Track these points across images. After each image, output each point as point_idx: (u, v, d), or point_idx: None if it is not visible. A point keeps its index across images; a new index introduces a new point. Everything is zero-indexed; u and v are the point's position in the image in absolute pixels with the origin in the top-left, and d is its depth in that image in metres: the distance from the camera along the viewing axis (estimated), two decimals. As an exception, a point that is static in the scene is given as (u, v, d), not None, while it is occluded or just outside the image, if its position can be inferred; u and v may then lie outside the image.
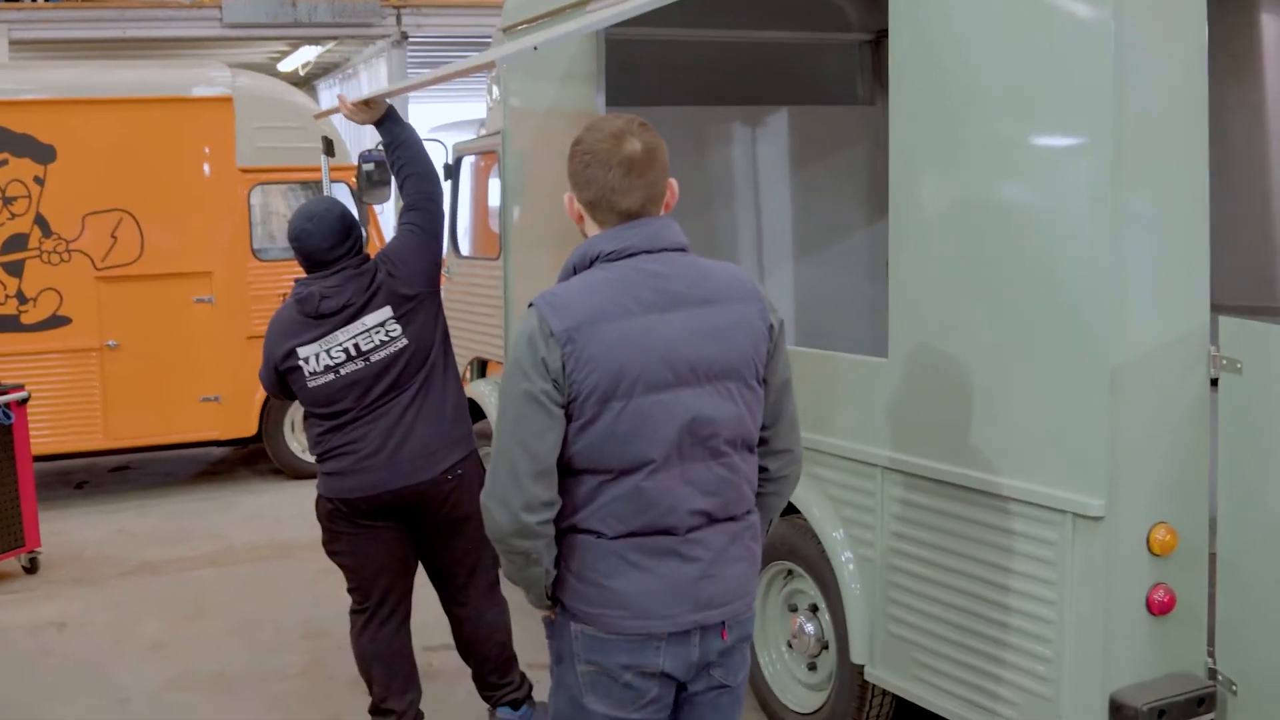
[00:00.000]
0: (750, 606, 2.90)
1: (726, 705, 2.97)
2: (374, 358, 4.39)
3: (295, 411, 9.46)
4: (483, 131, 7.44)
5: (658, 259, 2.79)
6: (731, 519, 2.84)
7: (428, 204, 4.58)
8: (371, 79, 15.12)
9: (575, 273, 2.83)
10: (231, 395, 9.15)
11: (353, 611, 4.72)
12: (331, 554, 4.67)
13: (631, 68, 6.09)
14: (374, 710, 4.72)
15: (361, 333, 4.39)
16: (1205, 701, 3.46)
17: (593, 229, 2.86)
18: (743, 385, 2.80)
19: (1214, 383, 3.46)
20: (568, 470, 2.77)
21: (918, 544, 3.93)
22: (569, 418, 2.72)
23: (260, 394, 9.23)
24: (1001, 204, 3.61)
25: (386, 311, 4.40)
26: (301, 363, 4.42)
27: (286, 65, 15.29)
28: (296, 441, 9.52)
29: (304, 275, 4.55)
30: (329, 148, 8.24)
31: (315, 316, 4.40)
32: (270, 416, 9.34)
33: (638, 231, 2.79)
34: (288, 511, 8.65)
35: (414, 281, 4.47)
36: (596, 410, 2.71)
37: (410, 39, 13.71)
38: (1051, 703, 3.50)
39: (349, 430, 4.44)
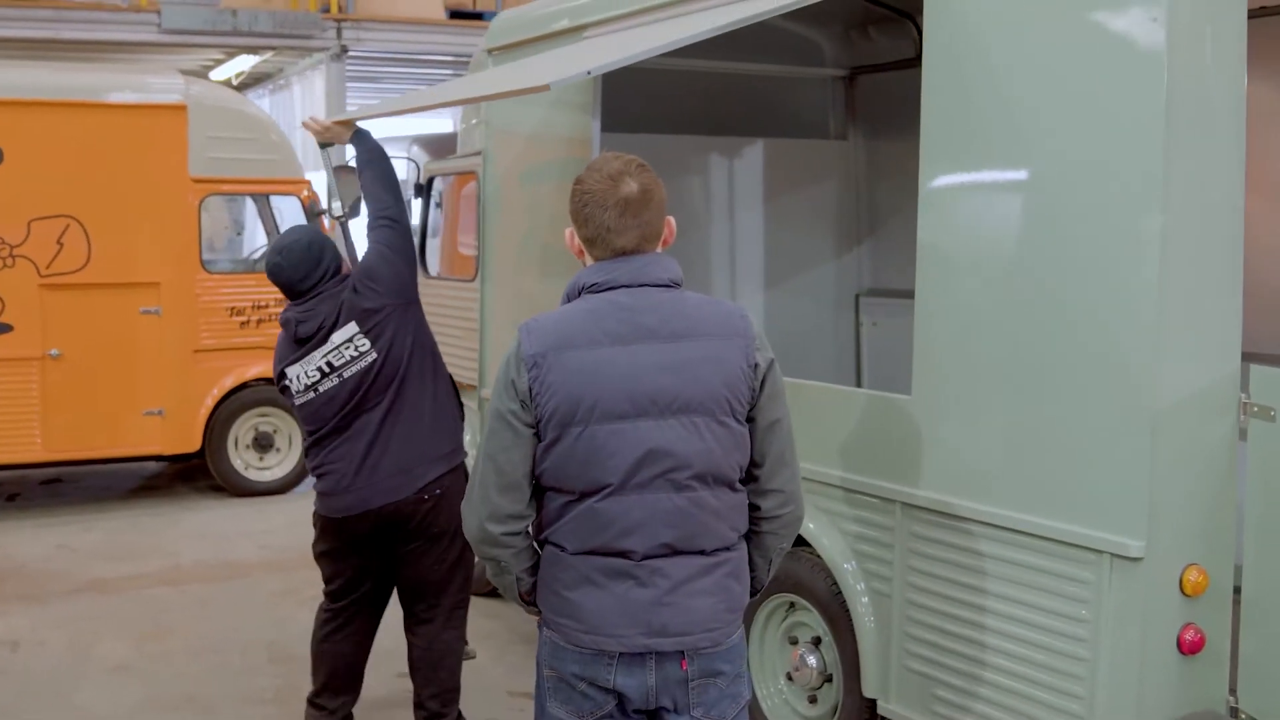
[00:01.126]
0: (719, 641, 2.93)
1: None
2: (346, 373, 4.45)
3: (240, 428, 9.33)
4: (457, 152, 7.37)
5: (635, 294, 2.91)
6: (701, 552, 2.90)
7: (395, 218, 4.68)
8: (305, 91, 14.94)
9: (567, 300, 2.98)
10: (176, 409, 8.98)
11: (322, 607, 4.83)
12: (315, 554, 4.77)
13: (614, 95, 6.12)
14: (309, 699, 4.88)
15: (332, 350, 4.46)
16: (1230, 739, 3.56)
17: (590, 263, 2.99)
18: (712, 421, 2.86)
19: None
20: (540, 487, 2.93)
21: (940, 580, 3.98)
22: (538, 437, 2.87)
23: (205, 409, 9.08)
24: (1041, 249, 3.68)
25: (353, 327, 4.46)
26: (290, 383, 4.54)
27: (219, 74, 15.03)
28: (240, 458, 9.36)
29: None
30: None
31: (296, 341, 4.51)
32: (214, 432, 9.16)
33: (622, 267, 2.92)
34: (234, 530, 8.50)
35: (379, 295, 4.52)
36: (558, 433, 2.84)
37: (350, 53, 13.56)
38: (1081, 739, 3.57)
39: (331, 448, 4.52)
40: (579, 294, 2.96)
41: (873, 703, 4.29)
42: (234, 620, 6.64)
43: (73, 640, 6.33)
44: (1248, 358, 3.66)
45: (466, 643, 5.88)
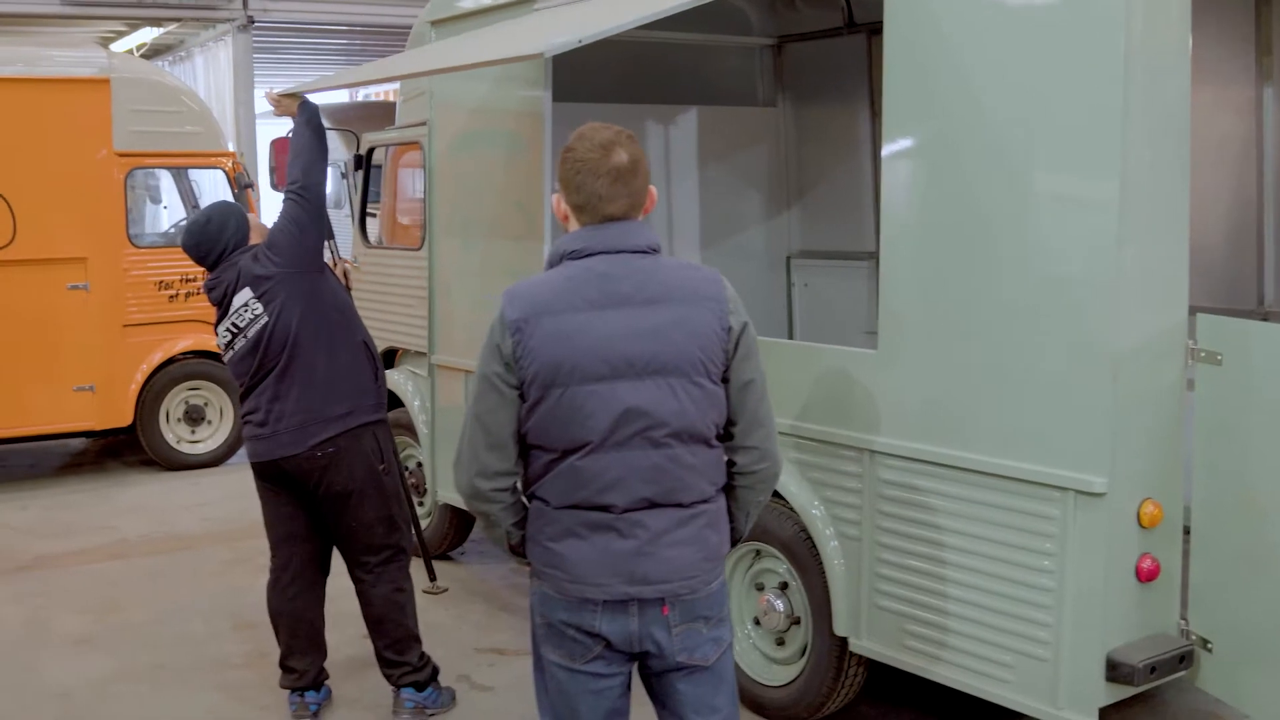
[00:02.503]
0: (697, 589, 3.09)
1: (704, 682, 3.16)
2: (249, 333, 4.81)
3: (170, 401, 9.31)
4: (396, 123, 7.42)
5: (612, 260, 3.05)
6: (678, 505, 3.06)
7: (300, 192, 4.92)
8: (208, 63, 14.75)
9: (550, 267, 3.12)
10: (106, 385, 8.93)
11: (270, 571, 5.11)
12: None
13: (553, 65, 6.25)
14: (280, 664, 5.14)
15: (234, 313, 4.83)
16: (1185, 658, 3.86)
17: (575, 227, 3.13)
18: (687, 382, 3.02)
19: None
20: (525, 445, 3.09)
21: (908, 523, 4.23)
22: (523, 398, 3.02)
23: (135, 384, 9.04)
24: (1002, 207, 3.93)
25: (248, 292, 4.81)
26: (219, 344, 4.97)
27: (119, 46, 14.77)
28: (171, 432, 9.34)
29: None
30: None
31: (214, 306, 4.94)
32: (145, 406, 9.13)
33: (600, 234, 3.07)
34: (172, 503, 8.50)
35: (273, 264, 4.81)
36: (539, 394, 3.00)
37: (256, 23, 13.43)
38: (1049, 663, 3.84)
39: (248, 401, 4.92)
40: (560, 261, 3.09)
41: (843, 641, 4.54)
42: (189, 590, 6.69)
43: (30, 616, 6.34)
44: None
45: (435, 580, 6.14)
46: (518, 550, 3.22)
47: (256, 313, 4.78)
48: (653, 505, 3.03)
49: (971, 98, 4.00)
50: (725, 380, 3.08)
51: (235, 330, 4.82)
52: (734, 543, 3.26)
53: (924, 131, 4.17)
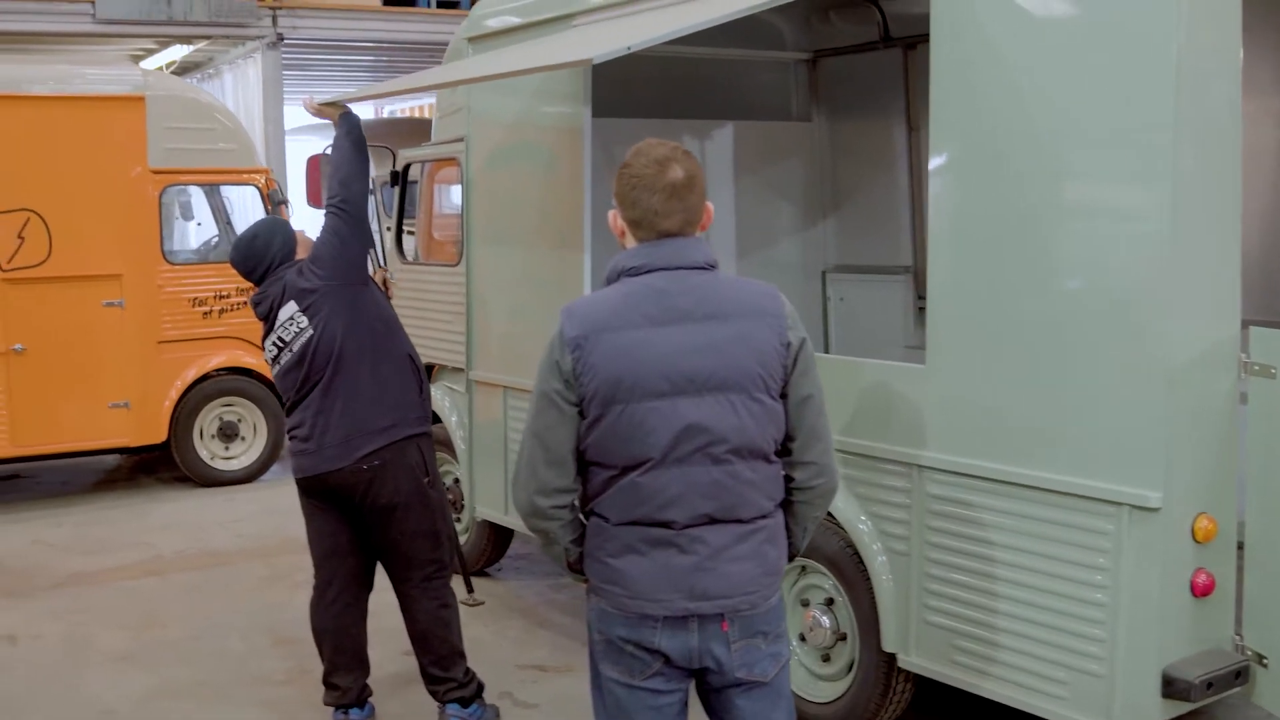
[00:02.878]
0: (756, 604, 3.08)
1: (762, 698, 3.15)
2: (294, 347, 4.83)
3: (205, 418, 9.34)
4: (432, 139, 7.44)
5: (671, 276, 3.05)
6: (738, 521, 3.06)
7: (342, 205, 4.94)
8: (237, 80, 14.83)
9: (608, 283, 3.12)
10: (141, 401, 8.97)
11: (314, 588, 5.09)
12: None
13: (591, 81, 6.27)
14: (324, 680, 5.12)
15: (280, 326, 4.86)
16: (1241, 674, 3.83)
17: (631, 244, 3.13)
18: (747, 398, 3.02)
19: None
20: (584, 461, 3.08)
21: (958, 538, 4.21)
22: (582, 415, 3.02)
23: (170, 400, 9.08)
24: (1057, 221, 3.91)
25: (293, 306, 4.84)
26: (267, 359, 4.99)
27: (149, 64, 14.87)
28: (205, 448, 9.37)
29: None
30: None
31: (261, 320, 4.97)
32: (180, 423, 9.16)
33: (658, 250, 3.06)
34: (206, 519, 8.52)
35: (317, 277, 4.84)
36: (600, 411, 2.99)
37: (286, 40, 13.50)
38: (1104, 679, 3.81)
39: (295, 414, 4.92)
40: (618, 277, 3.10)
41: (891, 657, 4.51)
42: (227, 607, 6.70)
43: (69, 633, 6.36)
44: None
45: (473, 592, 6.14)
46: (575, 567, 3.22)
47: (301, 326, 4.81)
48: (713, 521, 3.03)
49: (1020, 110, 3.99)
50: (783, 396, 3.08)
51: (281, 344, 4.85)
52: (790, 558, 3.25)
53: (971, 145, 4.16)
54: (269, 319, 4.89)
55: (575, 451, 3.06)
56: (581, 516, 3.17)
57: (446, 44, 7.12)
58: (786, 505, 3.18)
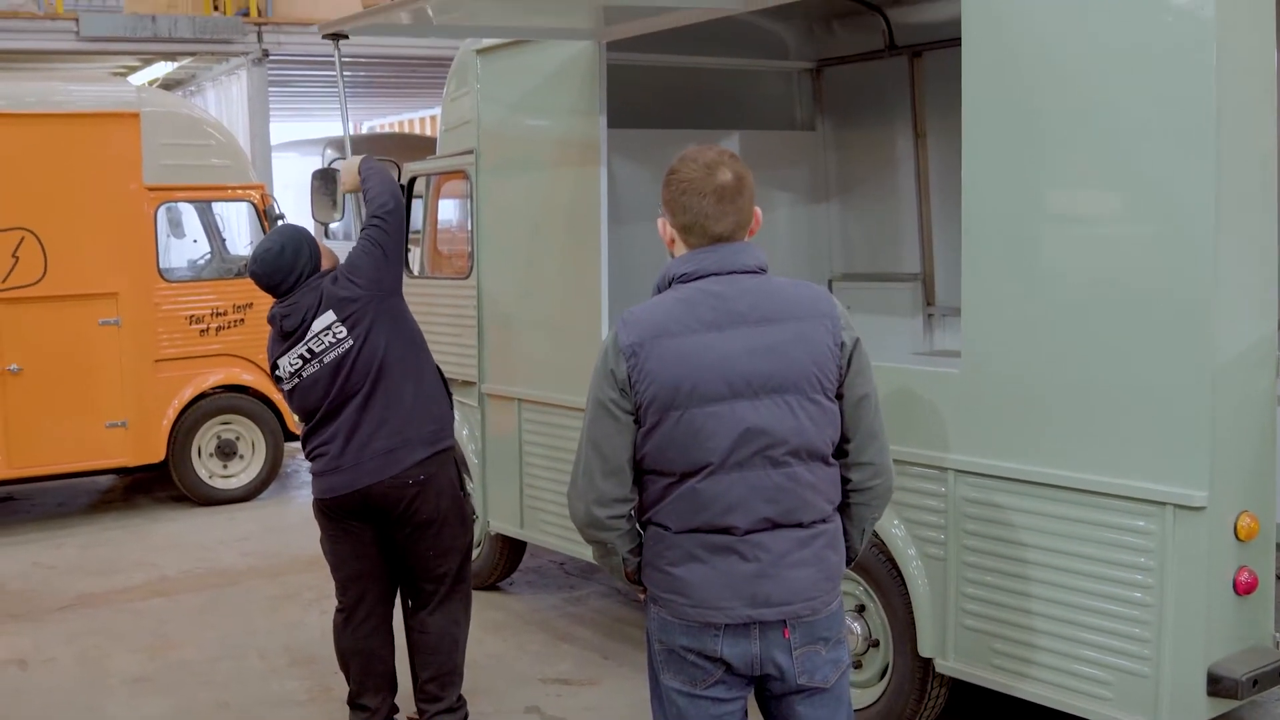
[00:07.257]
0: (818, 610, 3.07)
1: (823, 704, 3.14)
2: (326, 359, 4.68)
3: (203, 436, 9.27)
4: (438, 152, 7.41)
5: (724, 281, 3.05)
6: (798, 525, 3.05)
7: (384, 216, 4.88)
8: (220, 97, 14.77)
9: (659, 291, 3.12)
10: (139, 420, 8.90)
11: (336, 609, 4.98)
12: (322, 550, 4.97)
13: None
14: (350, 702, 5.01)
15: (312, 337, 4.69)
16: (1284, 671, 3.85)
17: (681, 250, 3.12)
18: (804, 399, 3.02)
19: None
20: (641, 470, 3.06)
21: (995, 541, 4.21)
22: (638, 423, 3.01)
23: (168, 419, 9.01)
24: (1096, 222, 3.94)
25: (330, 315, 4.70)
26: (280, 374, 4.80)
27: (133, 81, 14.78)
28: (204, 467, 9.30)
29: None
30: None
31: (283, 335, 4.74)
32: (178, 441, 9.09)
33: (710, 256, 3.07)
34: (209, 538, 8.45)
35: (357, 286, 4.74)
36: (658, 418, 2.99)
37: (271, 56, 13.45)
38: (1148, 679, 3.82)
39: (321, 431, 4.76)
40: (669, 284, 3.10)
41: (926, 662, 4.51)
42: (240, 627, 6.64)
43: (81, 655, 6.28)
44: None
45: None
46: (633, 578, 3.20)
47: (339, 335, 4.67)
48: (774, 526, 3.02)
49: (1057, 113, 4.00)
50: (839, 396, 3.07)
51: (309, 355, 4.68)
52: (848, 562, 3.24)
53: (1007, 147, 4.15)
54: (297, 331, 4.69)
55: (632, 460, 3.05)
56: (638, 527, 3.16)
57: (430, 59, 7.11)
58: (844, 508, 3.18)
